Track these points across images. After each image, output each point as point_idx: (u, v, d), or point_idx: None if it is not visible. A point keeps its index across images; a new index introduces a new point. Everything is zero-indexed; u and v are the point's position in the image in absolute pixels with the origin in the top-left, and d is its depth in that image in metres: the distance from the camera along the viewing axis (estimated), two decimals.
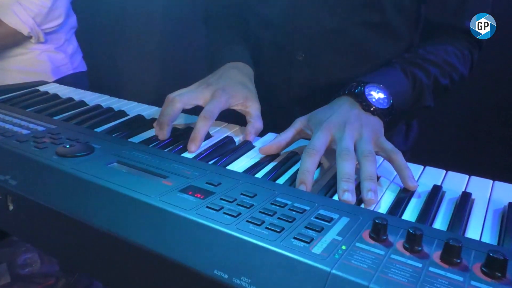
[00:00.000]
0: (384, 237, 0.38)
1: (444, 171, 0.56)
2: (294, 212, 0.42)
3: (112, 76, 1.98)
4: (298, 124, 0.62)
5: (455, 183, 0.53)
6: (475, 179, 0.54)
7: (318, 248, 0.37)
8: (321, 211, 0.43)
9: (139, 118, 0.73)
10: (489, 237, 0.43)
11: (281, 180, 0.54)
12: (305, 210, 0.43)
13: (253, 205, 0.43)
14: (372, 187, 0.49)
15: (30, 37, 1.38)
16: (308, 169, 0.51)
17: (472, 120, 1.26)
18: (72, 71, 1.52)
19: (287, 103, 0.81)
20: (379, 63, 0.76)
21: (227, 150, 0.62)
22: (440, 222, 0.46)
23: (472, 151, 1.26)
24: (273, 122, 0.83)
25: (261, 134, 0.68)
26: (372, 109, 0.60)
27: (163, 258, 0.39)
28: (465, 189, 0.52)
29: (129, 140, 0.63)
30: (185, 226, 0.41)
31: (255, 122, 0.67)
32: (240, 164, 0.58)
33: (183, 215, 0.41)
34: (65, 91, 0.89)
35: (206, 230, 0.40)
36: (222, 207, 0.43)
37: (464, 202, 0.47)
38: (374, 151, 0.54)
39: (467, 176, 0.54)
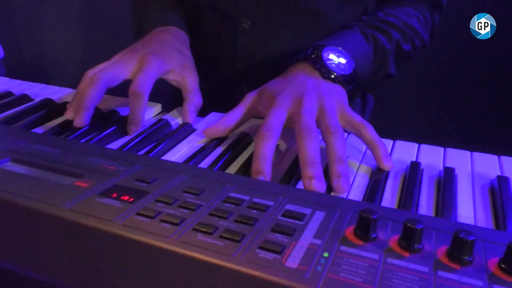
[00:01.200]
0: (374, 235, 0.29)
1: (417, 144, 0.49)
2: (254, 211, 0.33)
3: (36, 62, 1.74)
4: (248, 100, 0.52)
5: (430, 157, 0.46)
6: (451, 151, 0.48)
7: (293, 259, 0.27)
8: (289, 206, 0.33)
9: (46, 103, 0.59)
10: (484, 221, 0.36)
11: (232, 169, 0.44)
12: (268, 206, 0.33)
13: (200, 205, 0.33)
14: (342, 171, 0.40)
15: None
16: (264, 155, 0.42)
17: (428, 87, 1.23)
18: None
19: (234, 78, 0.71)
20: (334, 30, 0.67)
21: (162, 135, 0.51)
22: (426, 206, 0.38)
23: (432, 122, 1.23)
24: (218, 101, 0.72)
25: (203, 113, 0.57)
26: (333, 76, 0.51)
27: None
28: (444, 163, 0.45)
29: (32, 131, 0.49)
30: (107, 243, 0.30)
31: (194, 97, 0.56)
32: (180, 153, 0.47)
33: (102, 229, 0.30)
34: None
35: (138, 246, 0.29)
36: (159, 212, 0.32)
37: (450, 181, 0.40)
38: (340, 125, 0.45)
39: (442, 149, 0.48)
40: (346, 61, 0.53)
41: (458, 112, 1.22)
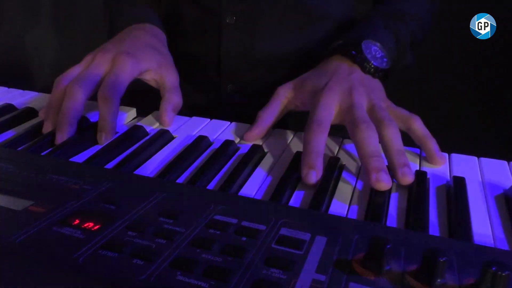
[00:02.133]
0: (388, 267, 0.25)
1: (418, 150, 0.45)
2: (244, 238, 0.28)
3: (6, 64, 1.64)
4: (283, 94, 0.49)
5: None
6: (457, 157, 0.43)
7: None
8: (284, 231, 0.28)
9: (5, 108, 0.52)
10: (504, 241, 0.32)
11: (216, 183, 0.39)
12: (259, 231, 0.28)
13: (178, 233, 0.28)
14: (405, 161, 0.38)
15: None
16: (316, 150, 0.39)
17: (424, 87, 1.19)
18: None
19: (218, 79, 0.65)
20: (328, 25, 0.63)
21: (137, 144, 0.45)
22: (437, 224, 0.34)
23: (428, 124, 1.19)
24: (202, 105, 0.66)
25: (180, 111, 0.52)
26: (373, 70, 0.49)
27: None
28: (451, 171, 0.41)
29: None
30: (66, 287, 0.24)
31: (172, 95, 0.50)
32: (154, 165, 0.41)
33: (59, 269, 0.24)
34: None
35: None
36: (129, 244, 0.26)
37: (461, 194, 0.36)
38: (393, 119, 0.43)
39: (446, 155, 0.44)
40: (383, 55, 0.51)
41: (457, 114, 1.19)
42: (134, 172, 0.39)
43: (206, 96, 0.67)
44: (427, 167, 0.41)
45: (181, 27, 0.65)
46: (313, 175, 0.38)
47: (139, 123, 0.49)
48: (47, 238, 0.27)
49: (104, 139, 0.45)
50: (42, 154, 0.42)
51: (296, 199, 0.36)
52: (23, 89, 0.60)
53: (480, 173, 0.41)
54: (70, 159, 0.41)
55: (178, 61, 0.56)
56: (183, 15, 0.65)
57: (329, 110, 0.43)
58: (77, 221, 0.29)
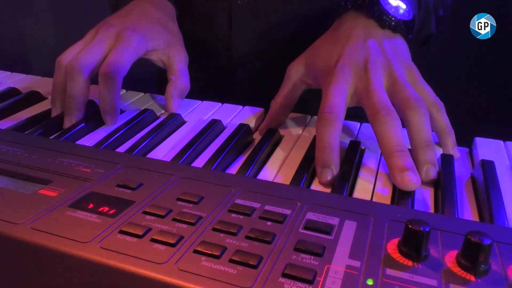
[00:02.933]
0: (426, 253, 0.23)
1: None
2: (269, 223, 0.26)
3: (8, 49, 1.61)
4: (294, 74, 0.44)
5: (459, 148, 0.40)
6: (481, 141, 0.42)
7: None
8: (310, 215, 0.27)
9: (11, 92, 0.51)
10: None
11: (233, 169, 0.37)
12: (285, 216, 0.27)
13: (200, 217, 0.26)
14: (431, 158, 0.34)
15: None
16: (330, 145, 0.35)
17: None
18: None
19: (228, 63, 0.62)
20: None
21: (147, 129, 0.43)
22: (466, 209, 0.32)
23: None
24: (210, 89, 0.64)
25: (189, 96, 0.50)
26: (393, 23, 0.42)
27: None
28: (476, 155, 0.39)
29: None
30: (82, 273, 0.23)
31: (179, 79, 0.48)
32: (168, 149, 0.40)
33: (75, 254, 0.23)
34: None
35: (123, 277, 0.22)
36: (149, 229, 0.25)
37: (492, 177, 0.34)
38: (421, 98, 0.37)
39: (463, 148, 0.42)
40: (406, 6, 0.44)
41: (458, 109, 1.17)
42: (146, 156, 0.38)
43: (217, 81, 0.64)
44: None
45: (191, 10, 0.63)
46: (329, 174, 0.34)
47: (149, 107, 0.48)
48: (61, 222, 0.25)
49: (110, 121, 0.44)
50: (50, 138, 0.40)
51: (316, 184, 0.35)
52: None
53: (508, 157, 0.39)
54: (78, 143, 0.40)
55: (187, 45, 0.54)
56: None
57: (341, 94, 0.38)
58: (91, 205, 0.27)
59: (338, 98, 0.37)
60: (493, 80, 1.12)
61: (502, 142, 0.41)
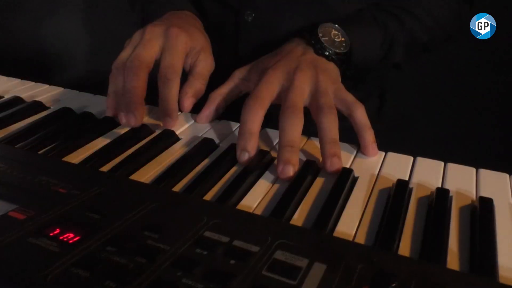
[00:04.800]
0: None
1: (442, 163, 0.40)
2: (233, 261, 0.25)
3: (34, 58, 1.66)
4: (237, 75, 0.48)
5: (459, 180, 0.38)
6: (485, 173, 0.39)
7: None
8: (278, 254, 0.25)
9: (14, 101, 0.51)
10: None
11: (215, 191, 0.36)
12: (251, 254, 0.25)
13: (162, 250, 0.25)
14: (336, 152, 0.38)
15: None
16: (250, 130, 0.39)
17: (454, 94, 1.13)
18: None
19: None
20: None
21: (137, 146, 0.43)
22: (458, 253, 0.30)
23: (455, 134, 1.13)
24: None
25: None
26: (326, 53, 0.48)
27: None
28: (478, 190, 0.37)
29: None
30: None
31: (196, 81, 0.47)
32: (154, 169, 0.39)
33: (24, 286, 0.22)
34: None
35: None
36: (106, 262, 0.24)
37: (487, 219, 0.32)
38: (334, 106, 0.42)
39: (473, 169, 0.39)
40: (343, 40, 0.50)
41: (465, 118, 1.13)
42: (131, 176, 0.37)
43: None
44: (453, 184, 0.37)
45: (204, 25, 0.63)
46: (245, 156, 0.38)
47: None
48: (20, 250, 0.25)
49: (170, 123, 0.45)
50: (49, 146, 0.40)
51: (301, 214, 0.33)
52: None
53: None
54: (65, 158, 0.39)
55: None
56: (203, 11, 0.62)
57: (268, 87, 0.42)
58: (57, 231, 0.27)
59: (265, 89, 0.41)
60: None
61: (507, 176, 0.38)
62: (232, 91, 0.48)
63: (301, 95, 0.41)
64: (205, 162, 0.40)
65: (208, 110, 0.47)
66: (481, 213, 0.32)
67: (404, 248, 0.29)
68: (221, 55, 0.62)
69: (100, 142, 0.43)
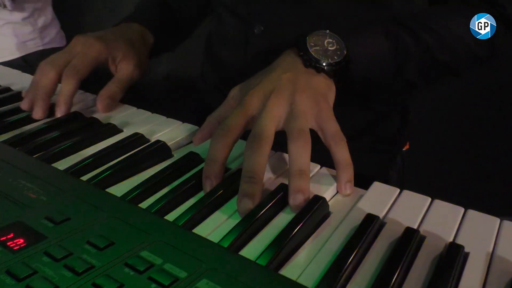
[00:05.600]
0: None
1: (462, 209, 0.36)
2: (154, 285, 0.25)
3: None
4: (232, 96, 0.47)
5: (478, 231, 0.34)
6: (473, 214, 0.36)
7: None
8: (203, 283, 0.25)
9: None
10: None
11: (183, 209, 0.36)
12: (175, 280, 0.25)
13: (92, 267, 0.26)
14: (301, 185, 0.35)
15: None
16: (215, 158, 0.38)
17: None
18: (42, 47, 1.31)
19: None
20: None
21: (134, 154, 0.44)
22: None
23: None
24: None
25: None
26: (316, 64, 0.44)
27: None
28: (494, 247, 0.32)
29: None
30: None
31: (112, 85, 0.53)
32: (139, 180, 0.39)
33: None
34: None
35: None
36: (33, 273, 0.25)
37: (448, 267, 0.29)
38: (307, 129, 0.39)
39: (497, 219, 0.35)
40: (337, 48, 0.46)
41: None
42: (108, 189, 0.38)
43: None
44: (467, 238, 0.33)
45: (217, 33, 0.65)
46: (208, 184, 0.37)
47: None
48: None
49: (58, 113, 0.50)
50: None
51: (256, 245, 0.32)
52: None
53: (495, 241, 0.33)
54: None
55: (212, 65, 0.57)
56: (220, 20, 0.64)
57: (237, 117, 0.40)
58: (11, 235, 0.28)
59: (234, 119, 0.40)
60: None
61: (498, 220, 0.35)
62: (227, 112, 0.46)
63: (272, 120, 0.39)
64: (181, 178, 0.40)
65: (201, 133, 0.46)
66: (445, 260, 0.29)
67: None
68: (232, 64, 0.63)
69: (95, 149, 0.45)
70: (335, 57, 0.45)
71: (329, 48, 0.46)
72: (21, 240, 0.28)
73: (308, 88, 0.42)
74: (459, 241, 0.32)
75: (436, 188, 0.51)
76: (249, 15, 0.58)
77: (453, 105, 1.04)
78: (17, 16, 1.27)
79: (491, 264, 0.31)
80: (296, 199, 0.35)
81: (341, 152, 0.38)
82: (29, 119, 0.51)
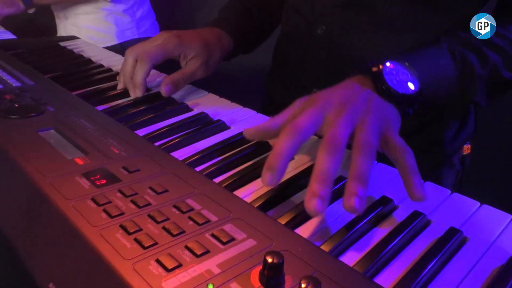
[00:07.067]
0: (273, 282, 0.27)
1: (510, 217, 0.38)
2: (191, 222, 0.33)
3: None
4: (297, 105, 0.48)
5: None
6: (486, 209, 0.38)
7: (172, 283, 0.27)
8: (227, 226, 0.32)
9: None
10: None
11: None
12: (208, 221, 0.33)
13: (149, 204, 0.35)
14: (359, 191, 0.35)
15: None
16: (281, 151, 0.38)
17: None
18: (137, 36, 1.50)
19: (305, 82, 0.69)
20: (417, 40, 0.59)
21: (191, 129, 0.53)
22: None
23: None
24: (288, 104, 0.71)
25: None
26: (388, 93, 0.45)
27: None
28: (468, 224, 0.37)
29: (98, 107, 0.57)
30: (50, 215, 0.34)
31: (176, 74, 0.60)
32: (196, 150, 0.48)
33: (54, 204, 0.34)
34: (86, 48, 0.87)
35: (67, 226, 0.32)
36: (109, 201, 0.34)
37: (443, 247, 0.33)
38: (375, 144, 0.39)
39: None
40: (410, 80, 0.47)
41: None
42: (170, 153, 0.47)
43: (295, 97, 0.71)
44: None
45: (282, 32, 0.71)
46: (269, 176, 0.37)
47: (209, 111, 0.57)
48: (67, 183, 0.37)
49: (137, 92, 0.60)
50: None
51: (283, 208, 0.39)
52: None
53: (500, 234, 0.35)
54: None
55: (278, 61, 0.62)
56: (286, 21, 0.71)
57: (312, 116, 0.40)
58: (97, 176, 0.38)
59: (308, 118, 0.40)
60: None
61: (510, 216, 0.37)
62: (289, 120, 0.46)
63: (345, 129, 0.39)
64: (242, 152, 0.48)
65: (256, 131, 0.47)
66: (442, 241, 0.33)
67: None
68: (293, 65, 0.69)
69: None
70: (409, 89, 0.47)
71: (403, 78, 0.47)
72: (104, 181, 0.38)
73: (379, 110, 0.42)
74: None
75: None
76: (313, 15, 0.63)
77: None
78: (119, 8, 1.45)
79: None
80: (349, 200, 0.35)
81: (410, 160, 0.38)
82: (124, 94, 0.62)
